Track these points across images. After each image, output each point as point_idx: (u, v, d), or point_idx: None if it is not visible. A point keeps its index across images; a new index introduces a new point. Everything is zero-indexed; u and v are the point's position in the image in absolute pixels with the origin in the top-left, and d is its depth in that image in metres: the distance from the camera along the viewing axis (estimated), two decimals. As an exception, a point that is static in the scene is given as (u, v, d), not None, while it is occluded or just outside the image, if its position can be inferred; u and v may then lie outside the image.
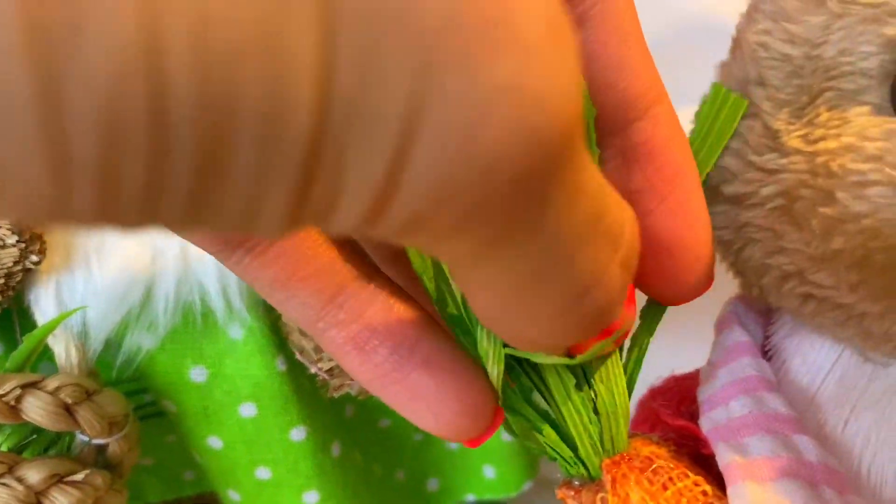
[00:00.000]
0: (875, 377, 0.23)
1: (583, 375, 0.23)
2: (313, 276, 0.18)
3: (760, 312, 0.26)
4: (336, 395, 0.32)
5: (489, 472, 0.43)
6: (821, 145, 0.21)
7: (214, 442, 0.36)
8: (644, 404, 0.28)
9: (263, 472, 0.36)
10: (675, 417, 0.24)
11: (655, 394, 0.28)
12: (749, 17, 0.25)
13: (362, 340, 0.19)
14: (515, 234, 0.14)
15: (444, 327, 0.21)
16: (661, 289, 0.22)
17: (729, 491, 0.21)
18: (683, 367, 0.29)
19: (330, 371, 0.31)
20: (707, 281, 0.22)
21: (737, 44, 0.25)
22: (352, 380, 0.31)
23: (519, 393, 0.22)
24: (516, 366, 0.23)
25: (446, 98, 0.11)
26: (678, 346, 0.30)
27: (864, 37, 0.21)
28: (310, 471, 0.36)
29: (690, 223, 0.21)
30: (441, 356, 0.19)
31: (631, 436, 0.23)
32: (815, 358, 0.24)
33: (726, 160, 0.24)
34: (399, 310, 0.19)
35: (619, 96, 0.20)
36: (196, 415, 0.35)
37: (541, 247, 0.14)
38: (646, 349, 0.22)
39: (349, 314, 0.19)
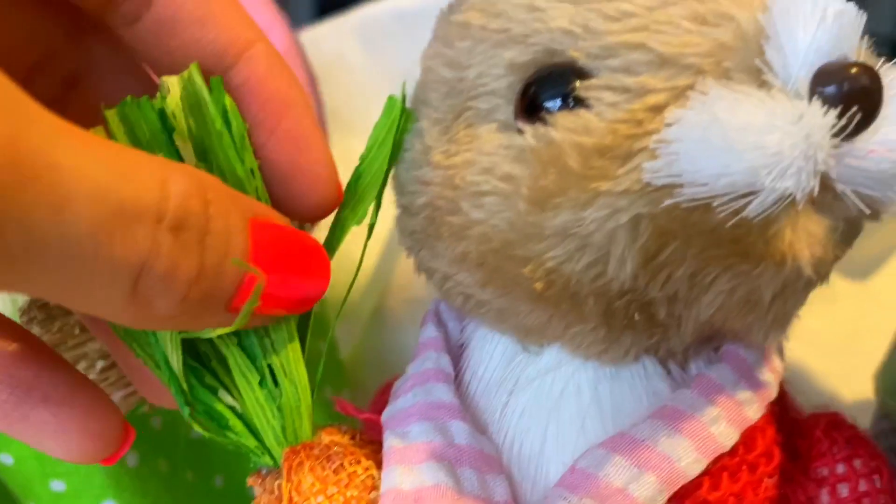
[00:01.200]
0: (529, 363, 0.25)
1: (269, 372, 0.25)
2: None
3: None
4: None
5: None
6: (453, 160, 0.23)
7: (5, 459, 0.37)
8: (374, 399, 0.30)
9: (58, 485, 0.37)
10: (359, 411, 0.26)
11: (384, 388, 0.30)
12: (430, 41, 0.27)
13: None
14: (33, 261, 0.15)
15: (63, 360, 0.22)
16: (293, 212, 0.24)
17: (382, 474, 0.23)
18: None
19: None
20: (332, 196, 0.24)
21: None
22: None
23: (208, 390, 0.24)
24: (203, 368, 0.25)
25: None
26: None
27: (495, 59, 0.23)
28: (104, 481, 0.38)
29: (303, 148, 0.23)
30: (60, 391, 0.21)
31: (321, 427, 0.26)
32: (488, 349, 0.26)
33: (401, 173, 0.26)
34: (13, 349, 0.21)
35: (209, 48, 0.22)
36: (-17, 432, 0.36)
37: (58, 256, 0.15)
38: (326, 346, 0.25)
39: None
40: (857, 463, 0.25)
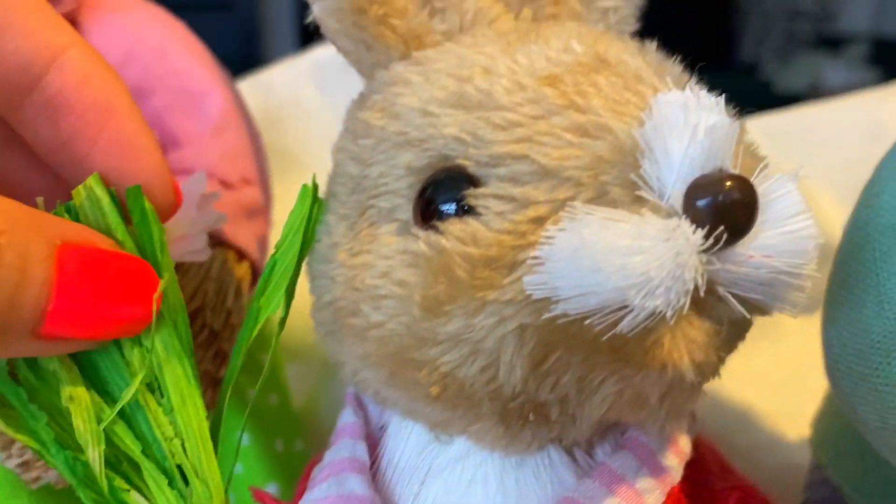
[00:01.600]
0: (441, 452, 0.26)
1: (179, 474, 0.25)
2: None
3: (378, 393, 0.29)
4: (35, 486, 0.34)
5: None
6: (355, 260, 0.24)
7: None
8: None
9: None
10: (276, 501, 0.27)
11: (307, 473, 0.30)
12: (341, 132, 0.28)
13: None
14: None
15: None
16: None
17: (292, 571, 0.24)
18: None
19: (23, 464, 0.33)
20: (167, 202, 0.23)
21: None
22: (48, 471, 0.33)
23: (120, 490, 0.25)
24: (115, 473, 0.25)
25: None
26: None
27: (395, 160, 0.24)
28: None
29: (129, 155, 0.22)
30: None
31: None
32: (403, 435, 0.27)
33: (312, 264, 0.26)
34: None
35: (12, 59, 0.21)
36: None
37: None
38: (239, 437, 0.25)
39: None
40: (764, 539, 0.26)
